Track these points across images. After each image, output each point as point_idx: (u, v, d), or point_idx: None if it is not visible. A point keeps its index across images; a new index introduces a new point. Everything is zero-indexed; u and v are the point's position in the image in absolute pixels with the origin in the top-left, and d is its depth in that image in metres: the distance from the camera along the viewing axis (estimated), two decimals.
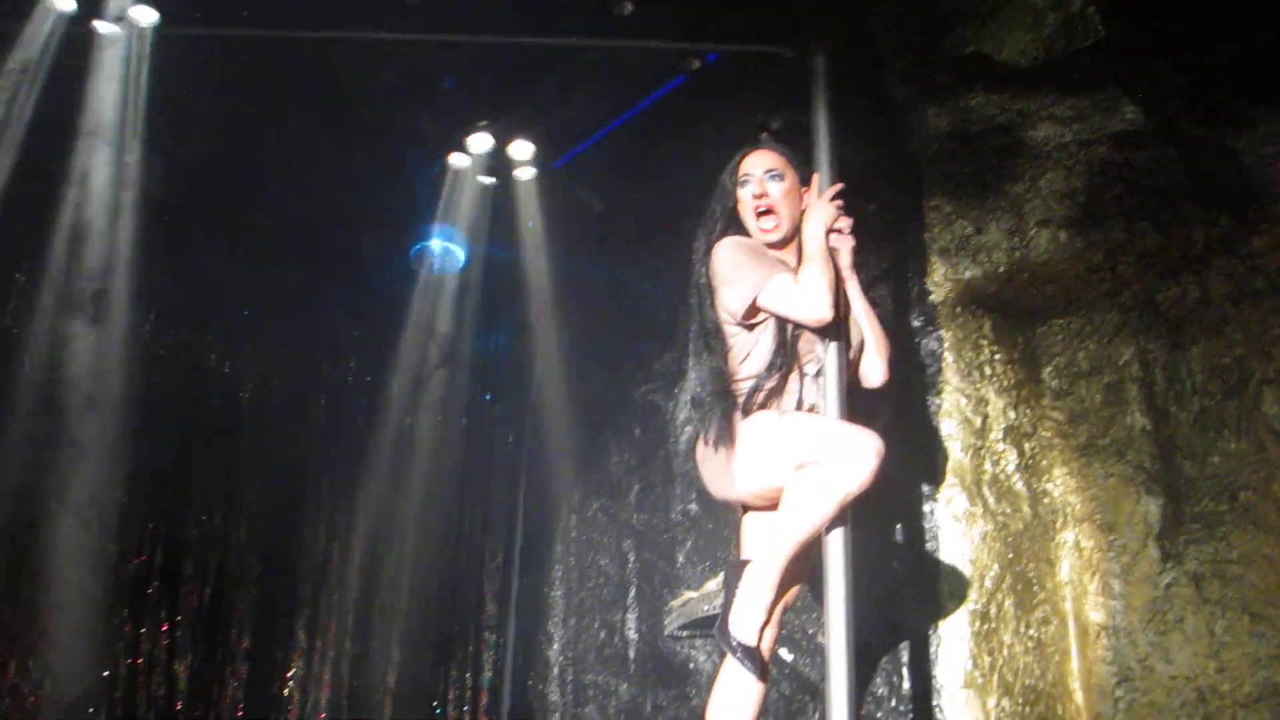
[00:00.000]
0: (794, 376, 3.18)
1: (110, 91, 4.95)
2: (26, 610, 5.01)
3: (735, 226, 3.35)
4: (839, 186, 3.32)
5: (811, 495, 2.92)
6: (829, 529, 3.01)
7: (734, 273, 3.16)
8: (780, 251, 3.32)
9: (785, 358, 3.15)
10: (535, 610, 5.89)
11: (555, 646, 5.68)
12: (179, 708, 5.33)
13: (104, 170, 5.16)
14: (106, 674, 5.18)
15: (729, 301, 3.17)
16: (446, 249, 6.05)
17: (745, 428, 3.11)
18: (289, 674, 5.81)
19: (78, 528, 5.23)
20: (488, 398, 6.48)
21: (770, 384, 3.14)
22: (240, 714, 5.60)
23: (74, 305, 5.31)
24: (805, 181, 3.40)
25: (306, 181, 5.70)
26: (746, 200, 3.32)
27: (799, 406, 3.18)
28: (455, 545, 6.19)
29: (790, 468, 2.98)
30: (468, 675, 5.96)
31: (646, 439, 5.47)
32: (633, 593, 5.28)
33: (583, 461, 5.86)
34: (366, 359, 6.32)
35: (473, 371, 6.39)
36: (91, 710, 5.13)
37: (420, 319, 6.30)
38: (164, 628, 5.40)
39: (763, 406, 3.15)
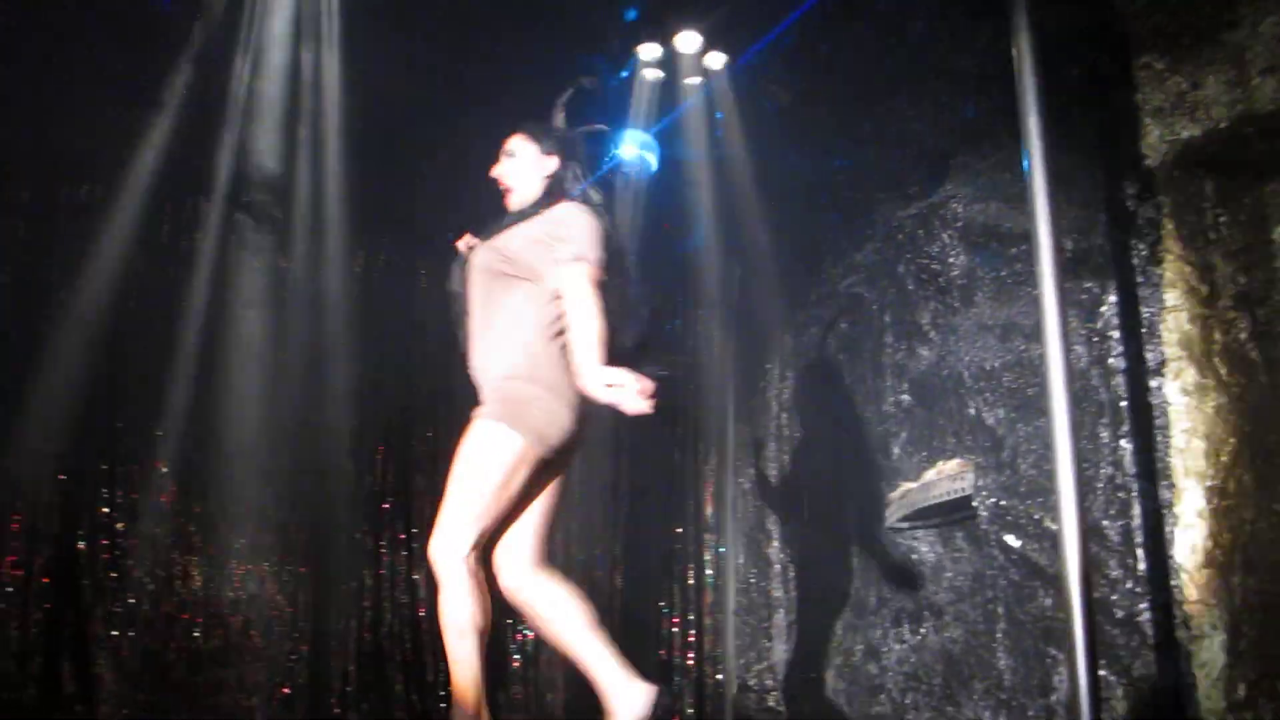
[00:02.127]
0: None
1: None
2: (276, 528, 5.33)
3: None
4: None
5: None
6: None
7: None
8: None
9: None
10: (752, 508, 5.94)
11: (774, 543, 5.73)
12: (422, 613, 5.62)
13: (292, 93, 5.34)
14: (354, 584, 5.48)
15: None
16: (639, 156, 6.04)
17: None
18: None
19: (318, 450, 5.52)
20: (690, 302, 6.48)
21: None
22: None
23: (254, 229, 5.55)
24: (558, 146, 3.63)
25: (494, 96, 5.73)
26: None
27: None
28: (670, 449, 6.27)
29: None
30: (690, 574, 6.08)
31: (854, 332, 5.39)
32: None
33: (790, 357, 5.84)
34: None
35: (674, 276, 6.40)
36: (344, 619, 5.45)
37: (618, 228, 6.32)
38: (401, 538, 5.67)
39: None
